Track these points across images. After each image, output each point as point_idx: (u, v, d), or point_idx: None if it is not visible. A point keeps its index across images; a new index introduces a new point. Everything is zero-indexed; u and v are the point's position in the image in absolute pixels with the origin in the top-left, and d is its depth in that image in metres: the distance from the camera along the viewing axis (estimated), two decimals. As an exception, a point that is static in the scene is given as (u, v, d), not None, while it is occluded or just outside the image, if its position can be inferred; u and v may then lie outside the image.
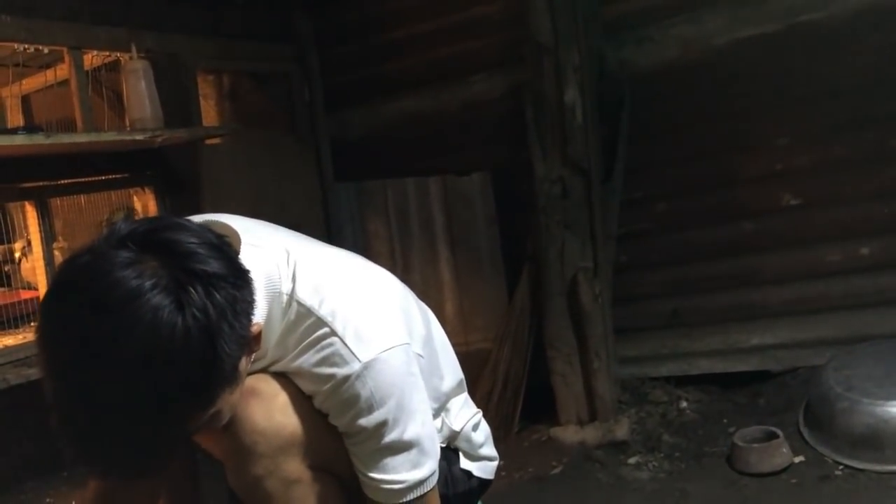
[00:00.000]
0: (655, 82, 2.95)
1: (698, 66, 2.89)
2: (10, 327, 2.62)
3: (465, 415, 1.39)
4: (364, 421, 1.10)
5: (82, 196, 2.88)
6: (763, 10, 2.77)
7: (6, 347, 2.43)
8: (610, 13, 2.99)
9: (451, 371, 1.36)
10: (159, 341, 0.87)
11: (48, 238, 2.60)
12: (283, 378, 1.14)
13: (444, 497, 1.26)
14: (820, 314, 2.80)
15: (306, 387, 1.13)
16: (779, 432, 2.36)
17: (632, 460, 2.57)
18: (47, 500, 2.66)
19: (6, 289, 3.18)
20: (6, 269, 3.24)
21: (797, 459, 2.34)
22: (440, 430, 1.32)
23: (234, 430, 1.10)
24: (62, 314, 0.91)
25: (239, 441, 1.10)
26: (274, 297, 1.12)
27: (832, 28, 2.69)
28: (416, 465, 1.15)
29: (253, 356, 1.09)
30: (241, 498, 1.16)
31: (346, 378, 1.09)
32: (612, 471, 2.54)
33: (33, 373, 2.38)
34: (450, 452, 1.35)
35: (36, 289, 2.82)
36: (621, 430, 2.70)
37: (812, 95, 2.75)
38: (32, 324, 2.68)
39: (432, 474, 1.18)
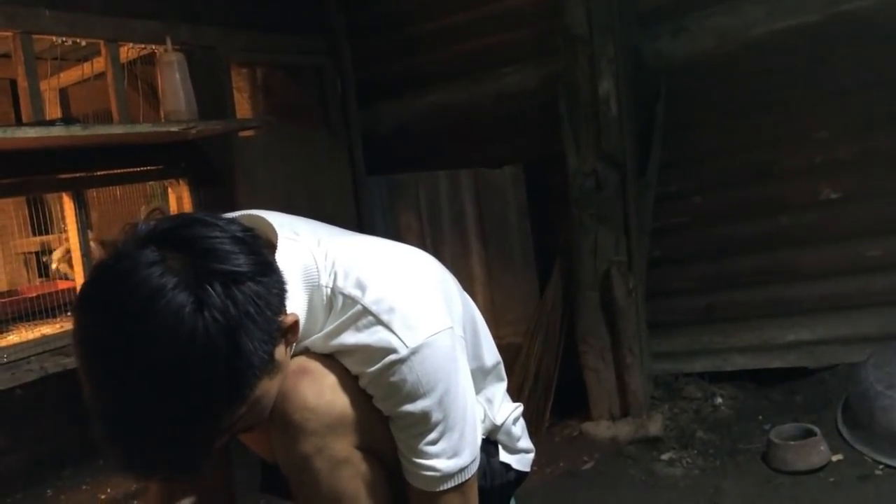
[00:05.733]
0: (691, 74, 2.91)
1: (735, 57, 2.84)
2: (47, 316, 2.65)
3: (507, 408, 1.39)
4: (410, 407, 1.10)
5: (118, 187, 2.92)
6: (803, 0, 2.72)
7: (44, 336, 2.47)
8: (645, 4, 2.96)
9: (491, 355, 1.36)
10: (181, 342, 0.89)
11: (84, 229, 2.64)
12: (332, 359, 1.14)
13: (482, 489, 1.26)
14: (859, 310, 2.75)
15: (353, 369, 1.13)
16: (816, 430, 2.32)
17: (665, 456, 2.54)
18: (84, 486, 2.70)
19: (44, 279, 3.23)
20: (45, 259, 3.29)
21: (835, 458, 2.29)
22: (482, 422, 1.32)
23: (284, 408, 1.10)
24: (89, 316, 0.94)
25: (289, 418, 1.10)
26: (314, 288, 1.12)
27: (875, 17, 2.63)
28: (457, 453, 1.15)
29: (295, 344, 1.10)
30: (288, 476, 1.16)
31: (393, 363, 1.08)
32: (644, 467, 2.51)
33: (70, 361, 2.41)
34: (489, 445, 1.35)
35: (73, 279, 2.86)
36: (654, 426, 2.68)
37: (852, 87, 2.69)
38: (69, 313, 2.72)
39: (473, 461, 1.17)
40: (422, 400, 1.10)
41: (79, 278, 2.66)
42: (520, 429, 1.42)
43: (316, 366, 1.13)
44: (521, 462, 1.41)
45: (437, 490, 1.15)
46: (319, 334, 1.14)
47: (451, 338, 1.14)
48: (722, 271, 2.97)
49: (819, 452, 2.27)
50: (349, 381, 1.13)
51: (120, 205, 3.01)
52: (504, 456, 1.37)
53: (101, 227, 3.05)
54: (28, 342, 2.42)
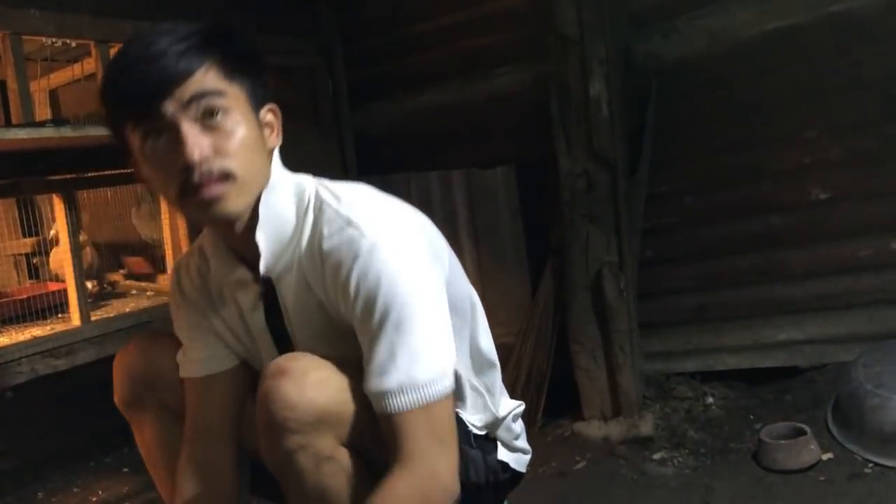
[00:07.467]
0: (682, 75, 2.92)
1: (726, 58, 2.85)
2: (37, 318, 2.65)
3: (509, 403, 1.40)
4: (376, 300, 1.11)
5: (109, 189, 2.91)
6: (792, 1, 2.73)
7: (34, 338, 2.45)
8: (636, 5, 2.97)
9: (487, 339, 1.39)
10: None
11: (75, 230, 2.63)
12: (312, 358, 1.15)
13: (477, 487, 1.27)
14: (849, 309, 2.76)
15: (335, 278, 1.16)
16: (806, 429, 2.33)
17: (656, 456, 2.55)
18: (75, 489, 2.70)
19: (35, 280, 3.22)
20: (35, 261, 3.27)
21: (825, 457, 2.31)
22: (482, 411, 1.33)
23: (267, 407, 1.11)
24: None
25: (272, 416, 1.11)
26: (301, 193, 1.23)
27: (864, 18, 2.64)
28: (417, 362, 1.10)
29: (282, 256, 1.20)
30: (274, 473, 1.17)
31: (358, 256, 1.13)
32: (635, 466, 2.52)
33: (62, 363, 2.41)
34: (488, 442, 1.35)
35: (63, 281, 2.85)
36: (646, 426, 2.69)
37: (842, 87, 2.71)
38: (60, 315, 2.71)
39: (441, 378, 1.12)
40: (388, 295, 1.11)
41: (69, 280, 2.65)
42: (519, 427, 1.44)
43: (296, 364, 1.14)
44: (518, 462, 1.42)
45: (396, 405, 1.10)
46: (305, 248, 1.19)
47: (428, 249, 1.21)
48: (713, 271, 2.98)
49: (809, 451, 2.28)
50: (332, 378, 1.14)
51: (111, 206, 3.00)
52: (503, 454, 1.38)
53: (91, 228, 3.03)
54: (18, 344, 2.41)
